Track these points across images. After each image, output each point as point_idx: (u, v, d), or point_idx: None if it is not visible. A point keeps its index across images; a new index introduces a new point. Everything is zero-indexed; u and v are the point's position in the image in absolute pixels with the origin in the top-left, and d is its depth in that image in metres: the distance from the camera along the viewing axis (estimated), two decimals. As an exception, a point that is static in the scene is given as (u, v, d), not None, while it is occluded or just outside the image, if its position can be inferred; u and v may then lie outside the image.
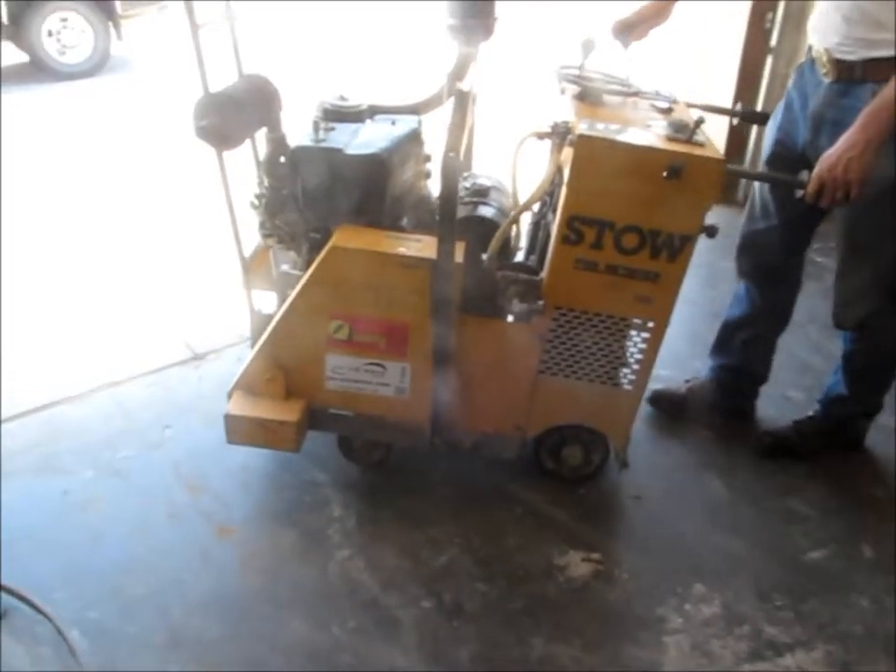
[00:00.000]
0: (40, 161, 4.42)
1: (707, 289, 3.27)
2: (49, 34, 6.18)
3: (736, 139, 3.79)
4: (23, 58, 6.41)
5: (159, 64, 6.51)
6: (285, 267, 2.17)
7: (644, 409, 2.41)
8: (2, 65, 6.32)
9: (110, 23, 6.41)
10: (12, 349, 2.65)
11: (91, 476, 2.18)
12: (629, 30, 2.02)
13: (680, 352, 2.74)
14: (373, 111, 2.17)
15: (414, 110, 2.19)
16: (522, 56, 5.78)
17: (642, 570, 2.00)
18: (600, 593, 1.93)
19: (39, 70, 6.25)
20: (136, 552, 1.96)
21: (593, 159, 1.68)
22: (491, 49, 2.11)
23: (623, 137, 1.67)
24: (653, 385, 2.41)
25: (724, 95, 3.75)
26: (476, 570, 1.96)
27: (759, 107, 3.71)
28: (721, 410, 2.50)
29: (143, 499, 2.12)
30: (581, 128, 1.68)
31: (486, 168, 2.34)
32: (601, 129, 1.69)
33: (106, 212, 3.79)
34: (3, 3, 5.90)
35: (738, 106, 2.11)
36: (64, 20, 6.24)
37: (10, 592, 1.79)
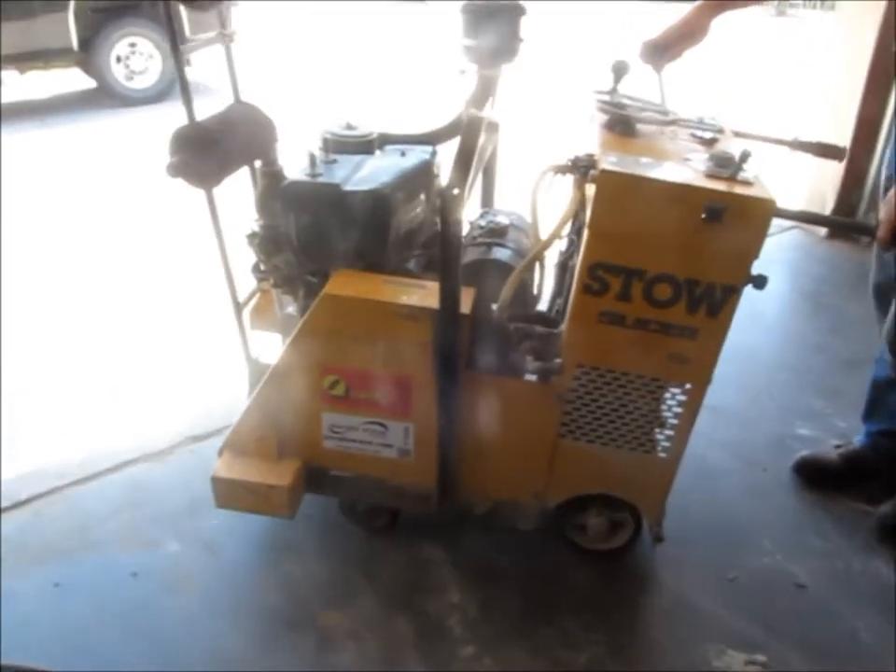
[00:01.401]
0: (103, 187, 4.38)
1: (835, 336, 2.99)
2: (118, 59, 6.23)
3: (855, 170, 3.39)
4: (91, 84, 6.48)
5: (225, 91, 6.44)
6: (290, 309, 1.99)
7: (785, 478, 2.21)
8: (70, 91, 6.40)
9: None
10: (81, 402, 2.54)
11: (177, 550, 2.00)
12: (660, 52, 1.79)
13: (817, 408, 2.51)
14: (384, 141, 1.98)
15: (429, 139, 2.00)
16: (554, 79, 5.56)
17: (814, 677, 1.74)
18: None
19: (107, 96, 6.30)
20: (229, 640, 1.77)
21: (618, 197, 1.44)
22: (517, 73, 1.91)
23: (653, 173, 1.43)
24: (793, 445, 2.24)
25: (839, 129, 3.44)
26: None
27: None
28: (882, 482, 2.19)
29: (234, 576, 1.93)
30: (605, 162, 1.45)
31: (511, 204, 2.13)
32: (628, 163, 1.46)
33: (171, 235, 3.69)
34: (73, 29, 5.95)
35: (798, 137, 1.85)
36: (133, 45, 6.29)
37: None
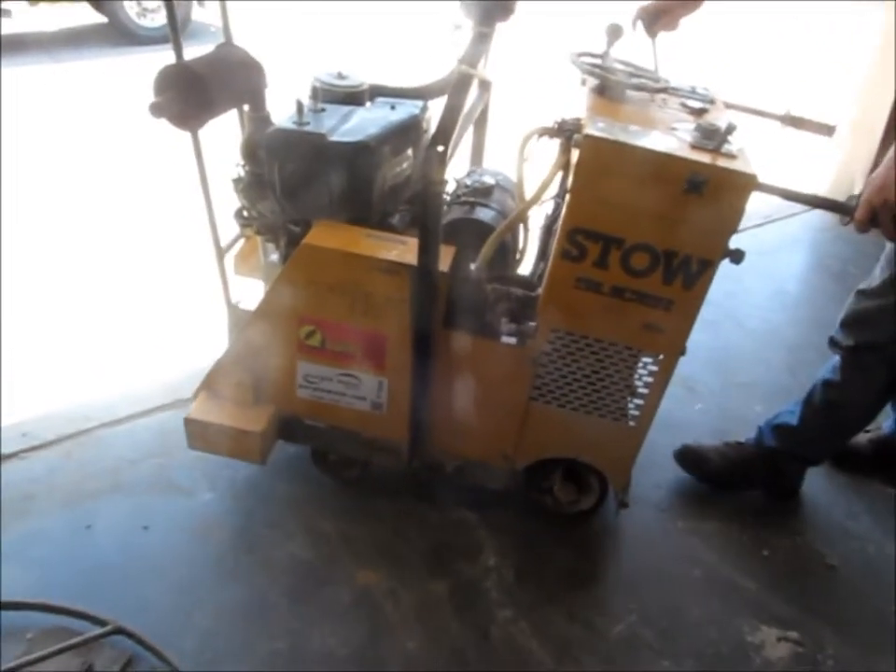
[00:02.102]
0: (104, 127, 4.28)
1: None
2: None
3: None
4: (101, 19, 6.28)
5: (238, 35, 6.30)
6: (273, 257, 1.99)
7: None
8: (81, 25, 6.25)
9: None
10: (95, 348, 2.51)
11: (209, 498, 2.01)
12: (655, 18, 1.76)
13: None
14: (375, 93, 1.96)
15: (421, 94, 1.98)
16: (549, 39, 5.47)
17: (848, 655, 1.77)
18: (803, 680, 1.71)
19: (117, 33, 6.10)
20: (261, 591, 1.77)
21: (600, 164, 1.44)
22: (510, 31, 1.89)
23: (637, 141, 1.42)
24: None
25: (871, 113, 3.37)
26: (658, 644, 1.75)
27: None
28: None
29: (266, 530, 1.93)
30: (590, 127, 1.44)
31: (500, 164, 2.11)
32: (613, 129, 1.45)
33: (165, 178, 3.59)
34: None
35: (790, 112, 1.83)
36: (147, -20, 6.05)
37: (138, 639, 1.60)
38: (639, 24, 1.80)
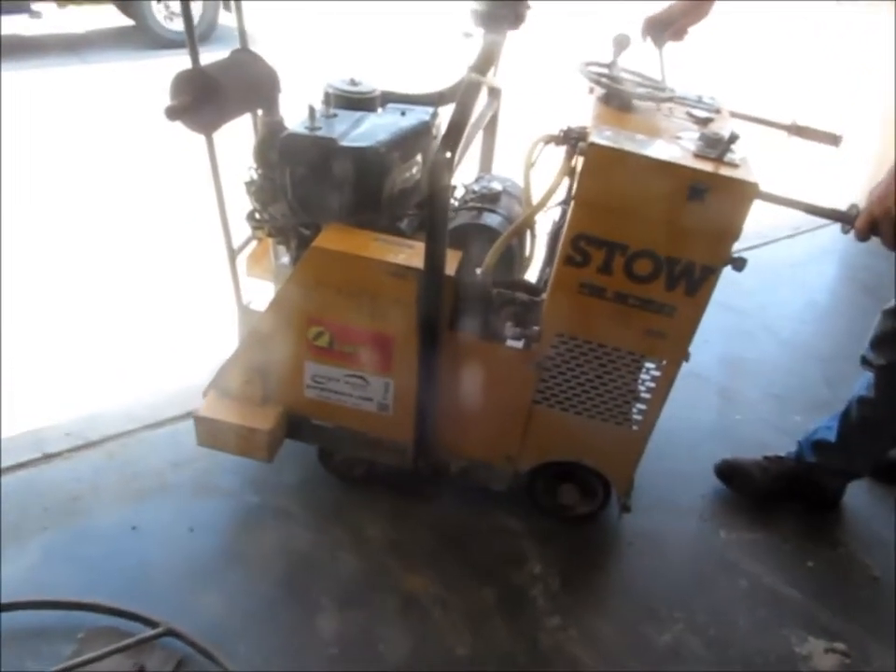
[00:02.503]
0: (127, 129, 4.31)
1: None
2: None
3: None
4: (128, 21, 6.34)
5: (264, 39, 6.33)
6: (284, 259, 2.02)
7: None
8: (108, 28, 6.34)
9: None
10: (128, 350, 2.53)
11: (255, 502, 2.03)
12: (663, 28, 1.79)
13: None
14: (387, 99, 2.00)
15: (433, 101, 2.01)
16: (565, 40, 5.48)
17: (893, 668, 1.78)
18: (851, 691, 1.72)
19: (144, 36, 6.15)
20: (311, 595, 1.79)
21: (604, 171, 1.46)
22: (521, 39, 1.91)
23: (640, 149, 1.45)
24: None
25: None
26: (707, 654, 1.76)
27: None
28: None
29: (312, 536, 1.94)
30: (594, 135, 1.47)
31: (510, 171, 2.14)
32: (617, 137, 1.47)
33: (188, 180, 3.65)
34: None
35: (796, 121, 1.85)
36: (175, -16, 6.06)
37: (189, 641, 1.61)
38: (645, 33, 1.82)
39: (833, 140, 1.84)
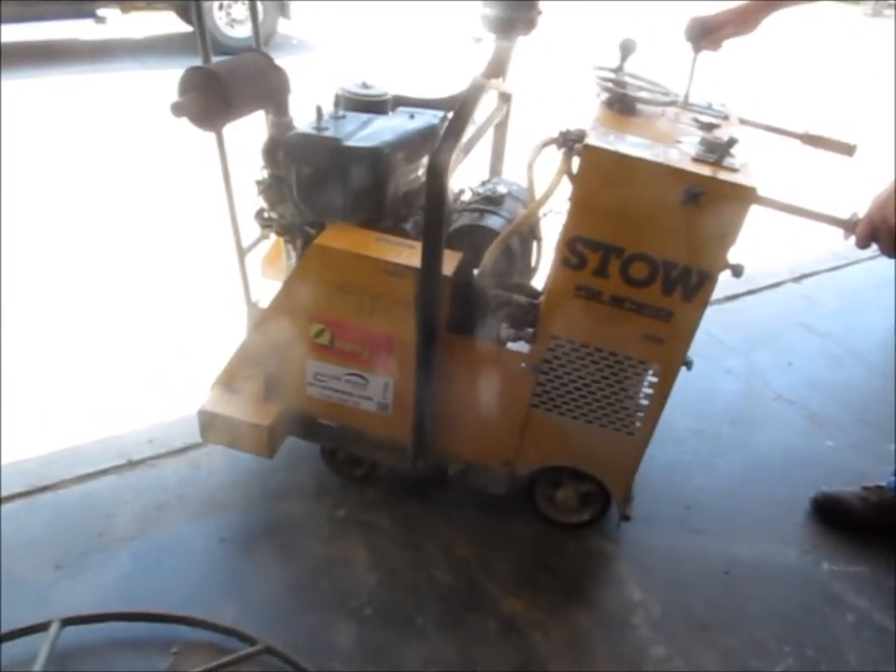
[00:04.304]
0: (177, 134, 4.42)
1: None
2: (220, 6, 6.20)
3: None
4: (189, 29, 6.49)
5: (322, 47, 6.47)
6: (294, 259, 2.06)
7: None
8: (169, 33, 6.53)
9: (280, 1, 6.35)
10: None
11: (342, 515, 2.00)
12: (704, 33, 1.77)
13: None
14: (398, 103, 2.02)
15: (443, 105, 2.03)
16: (571, 53, 5.46)
17: None
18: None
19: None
20: (408, 613, 1.76)
21: (600, 173, 1.46)
22: (533, 44, 1.92)
23: (636, 152, 1.44)
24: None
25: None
26: None
27: None
28: None
29: (409, 552, 1.92)
30: (591, 137, 1.47)
31: (519, 174, 2.14)
32: (614, 140, 1.47)
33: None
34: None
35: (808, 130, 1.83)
36: (236, -9, 6.21)
37: (288, 659, 1.58)
38: (688, 35, 1.81)
39: (848, 150, 1.81)
